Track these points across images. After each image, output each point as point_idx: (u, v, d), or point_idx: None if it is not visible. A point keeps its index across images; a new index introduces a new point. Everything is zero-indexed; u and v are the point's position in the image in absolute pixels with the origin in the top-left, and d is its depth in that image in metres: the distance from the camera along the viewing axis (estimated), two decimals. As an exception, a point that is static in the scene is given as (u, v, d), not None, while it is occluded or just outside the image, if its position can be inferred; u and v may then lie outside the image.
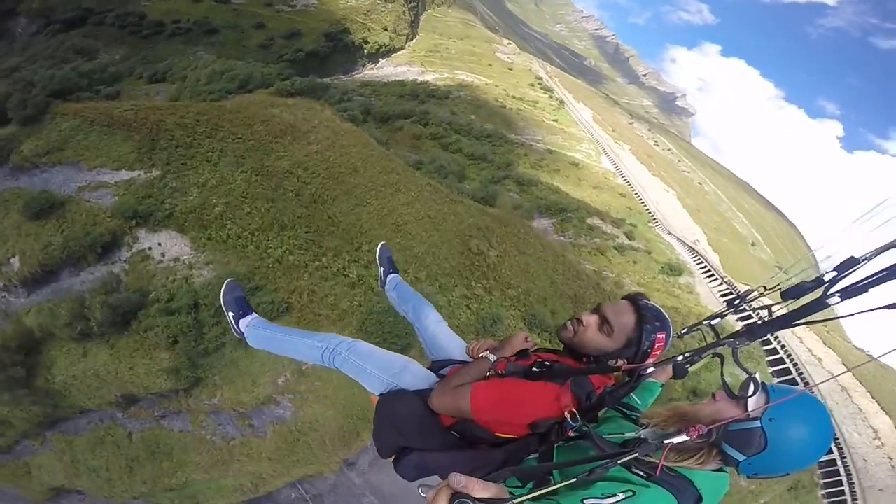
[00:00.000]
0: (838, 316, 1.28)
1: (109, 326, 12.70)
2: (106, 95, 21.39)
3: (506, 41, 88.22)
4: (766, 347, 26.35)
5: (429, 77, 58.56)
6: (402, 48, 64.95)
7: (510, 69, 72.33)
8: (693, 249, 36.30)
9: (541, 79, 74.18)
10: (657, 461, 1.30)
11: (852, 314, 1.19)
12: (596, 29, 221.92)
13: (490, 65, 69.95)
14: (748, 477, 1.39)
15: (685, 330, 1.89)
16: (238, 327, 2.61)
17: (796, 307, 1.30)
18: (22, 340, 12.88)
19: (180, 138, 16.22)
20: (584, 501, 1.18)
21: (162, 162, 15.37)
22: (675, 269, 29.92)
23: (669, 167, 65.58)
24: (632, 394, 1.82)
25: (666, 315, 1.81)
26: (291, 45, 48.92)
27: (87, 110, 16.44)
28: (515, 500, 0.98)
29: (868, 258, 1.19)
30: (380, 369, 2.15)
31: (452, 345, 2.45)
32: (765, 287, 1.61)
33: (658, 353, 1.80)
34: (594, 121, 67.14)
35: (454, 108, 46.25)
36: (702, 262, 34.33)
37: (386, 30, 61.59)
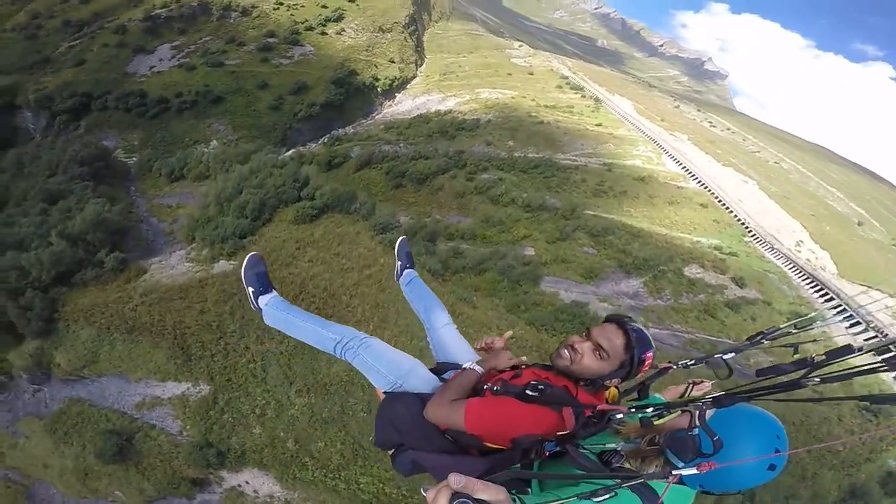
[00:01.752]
0: (806, 399, 1.36)
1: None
2: (112, 269, 18.31)
3: (516, 43, 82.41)
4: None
5: (451, 103, 53.62)
6: (414, 76, 60.62)
7: (531, 74, 66.41)
8: (811, 276, 28.97)
9: (566, 77, 67.72)
10: (630, 468, 1.46)
11: (819, 399, 1.30)
12: (596, 8, 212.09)
13: (509, 74, 64.33)
14: (698, 490, 1.48)
15: (692, 362, 2.02)
16: (257, 303, 2.59)
17: (772, 383, 1.29)
18: None
19: (209, 343, 15.47)
20: (577, 497, 1.31)
21: (204, 376, 14.87)
22: (804, 321, 22.88)
23: (736, 150, 57.14)
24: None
25: (648, 335, 1.90)
26: (302, 101, 45.38)
27: (97, 314, 16.17)
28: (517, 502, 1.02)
29: (862, 350, 1.21)
30: (388, 369, 2.23)
31: (459, 349, 2.51)
32: (794, 326, 1.80)
33: (645, 369, 1.90)
34: (638, 113, 59.89)
35: (489, 136, 40.85)
36: (824, 291, 27.16)
37: (393, 62, 57.47)
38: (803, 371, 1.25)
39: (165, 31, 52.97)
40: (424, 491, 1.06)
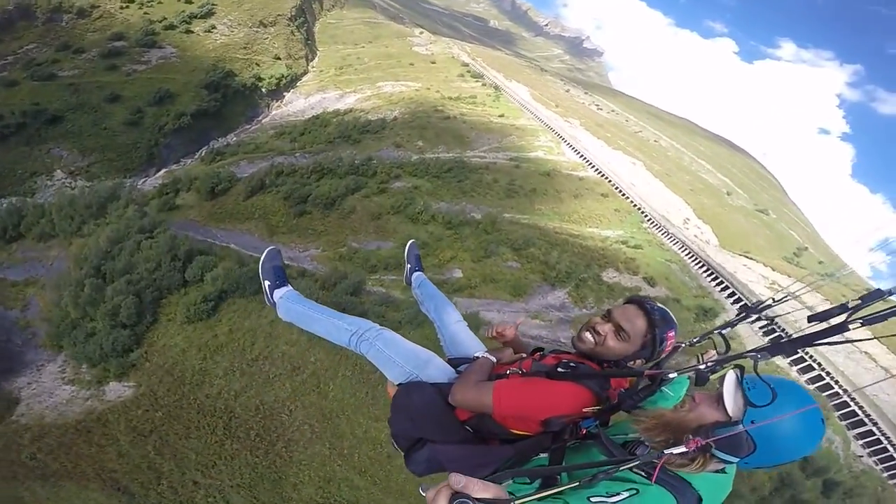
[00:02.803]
0: (856, 339, 1.32)
1: None
2: None
3: (418, 31, 79.78)
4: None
5: (350, 100, 50.00)
6: (305, 73, 55.21)
7: (433, 63, 64.90)
8: (706, 263, 33.03)
9: (467, 65, 67.49)
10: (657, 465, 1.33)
11: (870, 338, 1.30)
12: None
13: (411, 64, 62.04)
14: (755, 468, 1.42)
15: (697, 339, 1.99)
16: (272, 297, 2.57)
17: (819, 329, 1.32)
18: None
19: (150, 483, 12.66)
20: (591, 499, 1.23)
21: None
22: (709, 313, 26.48)
23: (622, 132, 62.68)
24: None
25: (671, 314, 1.86)
26: (168, 111, 38.39)
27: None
28: (517, 501, 0.99)
29: (893, 291, 1.25)
30: (404, 359, 2.17)
31: (470, 343, 2.47)
32: (773, 299, 1.81)
33: (669, 349, 1.86)
34: (535, 100, 62.26)
35: (397, 138, 38.82)
36: (719, 279, 31.20)
37: (279, 58, 51.57)
38: (845, 315, 1.27)
39: None
40: (423, 491, 1.05)
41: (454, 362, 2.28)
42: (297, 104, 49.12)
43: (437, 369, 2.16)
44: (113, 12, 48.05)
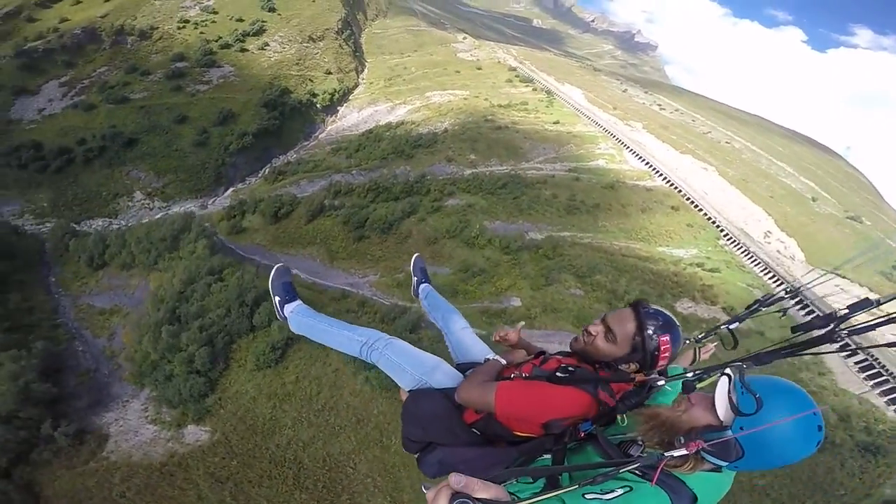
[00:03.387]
0: (842, 350, 1.31)
1: None
2: (67, 444, 14.99)
3: (460, 36, 78.94)
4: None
5: (401, 112, 49.90)
6: (356, 85, 55.94)
7: (479, 69, 63.67)
8: (791, 286, 29.16)
9: (514, 69, 65.62)
10: (654, 465, 1.34)
11: (855, 349, 1.29)
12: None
13: (457, 71, 61.20)
14: (747, 471, 1.41)
15: (702, 335, 2.01)
16: (282, 312, 2.67)
17: (806, 338, 1.32)
18: None
19: None
20: (586, 496, 1.25)
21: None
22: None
23: (689, 133, 57.98)
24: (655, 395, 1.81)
25: (672, 318, 1.84)
26: (231, 131, 39.98)
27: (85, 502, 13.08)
28: (517, 502, 1.00)
29: (881, 302, 1.25)
30: (413, 367, 2.24)
31: (476, 348, 2.51)
32: (785, 291, 1.86)
33: (667, 355, 1.82)
34: (590, 102, 59.17)
35: (448, 151, 37.97)
36: (809, 307, 27.03)
37: (330, 73, 52.45)
38: (832, 325, 1.27)
39: (47, 65, 44.51)
40: (425, 489, 1.05)
41: (462, 367, 2.31)
42: (351, 118, 49.74)
43: (444, 375, 2.21)
44: (172, 33, 51.02)
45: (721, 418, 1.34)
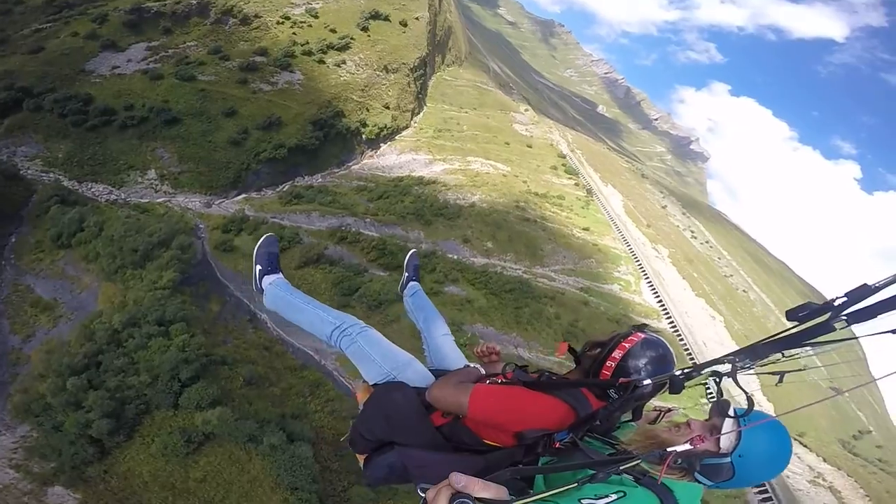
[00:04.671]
0: (843, 339, 1.27)
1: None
2: None
3: (522, 108, 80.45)
4: None
5: (437, 169, 49.73)
6: (407, 127, 56.38)
7: (529, 146, 63.96)
8: None
9: (563, 157, 65.78)
10: (647, 470, 1.39)
11: (855, 337, 1.24)
12: (606, 73, 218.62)
13: (507, 143, 61.51)
14: (707, 488, 1.50)
15: (684, 372, 1.83)
16: (260, 283, 2.57)
17: (801, 330, 1.28)
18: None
19: None
20: (581, 501, 1.25)
21: None
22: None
23: (711, 274, 56.51)
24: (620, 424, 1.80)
25: (660, 354, 1.79)
26: (271, 138, 39.91)
27: None
28: (516, 502, 0.99)
29: (880, 286, 1.19)
30: (383, 358, 2.18)
31: (454, 357, 2.48)
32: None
33: (627, 345, 1.80)
34: (627, 213, 58.49)
35: (468, 231, 36.97)
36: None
37: (388, 107, 53.00)
38: (829, 313, 1.21)
39: (149, 28, 46.00)
40: (422, 491, 1.05)
41: (437, 374, 2.21)
42: (389, 159, 49.70)
43: (416, 373, 2.14)
44: (269, 26, 52.23)
45: (723, 447, 1.41)
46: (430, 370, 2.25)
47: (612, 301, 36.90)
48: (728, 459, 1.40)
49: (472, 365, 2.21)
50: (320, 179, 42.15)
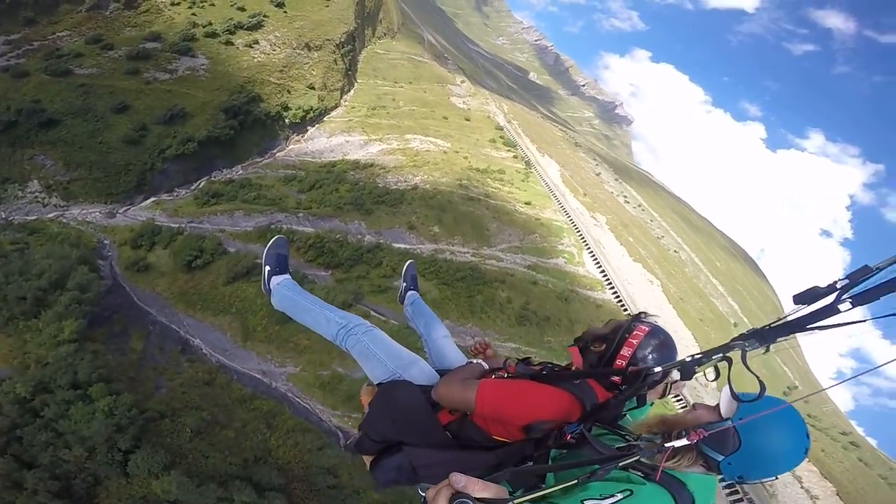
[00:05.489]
0: (850, 322, 1.25)
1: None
2: None
3: (459, 79, 78.20)
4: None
5: (373, 150, 47.08)
6: (336, 106, 52.42)
7: (468, 119, 62.82)
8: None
9: (501, 128, 65.44)
10: (654, 464, 1.36)
11: (864, 320, 1.22)
12: (536, 40, 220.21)
13: (445, 117, 59.80)
14: (736, 481, 1.45)
15: (694, 357, 1.88)
16: (268, 283, 2.61)
17: (807, 313, 1.26)
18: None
19: None
20: (584, 502, 1.21)
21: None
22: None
23: (645, 237, 60.47)
24: (626, 412, 1.80)
25: (666, 339, 1.85)
26: (175, 133, 34.98)
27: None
28: (516, 501, 0.99)
29: (881, 267, 1.19)
30: (389, 357, 2.18)
31: (456, 358, 2.49)
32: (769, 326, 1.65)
33: (635, 341, 1.80)
34: (564, 183, 60.09)
35: (412, 217, 35.62)
36: None
37: (313, 88, 48.73)
38: (835, 294, 1.21)
39: (5, 20, 37.53)
40: (423, 491, 1.02)
41: (440, 374, 2.21)
42: (319, 142, 46.08)
43: (421, 371, 2.14)
44: (161, 8, 44.93)
45: (723, 412, 1.42)
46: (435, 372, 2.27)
47: (558, 276, 37.93)
48: (729, 423, 1.38)
49: (474, 361, 2.20)
50: (241, 172, 38.05)
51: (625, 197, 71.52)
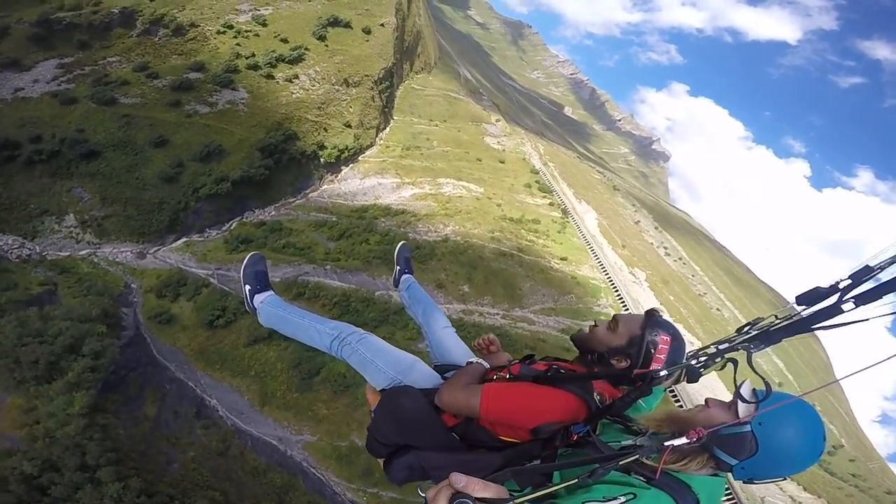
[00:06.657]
0: (853, 321, 1.25)
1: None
2: None
3: (494, 118, 77.80)
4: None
5: (406, 194, 46.16)
6: (371, 145, 52.23)
7: (502, 162, 61.47)
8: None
9: (536, 172, 63.79)
10: (656, 465, 1.32)
11: (866, 319, 1.21)
12: (571, 74, 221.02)
13: (479, 160, 58.68)
14: (744, 482, 1.40)
15: (700, 360, 1.86)
16: (252, 302, 2.55)
17: (811, 314, 1.25)
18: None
19: None
20: None
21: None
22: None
23: (686, 293, 56.60)
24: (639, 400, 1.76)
25: (679, 332, 1.84)
26: (211, 171, 34.94)
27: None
28: (516, 501, 0.99)
29: (883, 266, 1.18)
30: (387, 364, 2.15)
31: (458, 350, 2.45)
32: (775, 316, 1.60)
33: (662, 356, 1.77)
34: (602, 234, 57.39)
35: (441, 274, 33.90)
36: None
37: (349, 126, 48.65)
38: (838, 294, 1.20)
39: (60, 42, 39.07)
40: (422, 492, 1.08)
41: (440, 369, 2.24)
42: (352, 183, 45.59)
43: (421, 374, 2.13)
44: (208, 36, 46.15)
45: (740, 414, 1.37)
46: (434, 365, 2.27)
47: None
48: (748, 428, 1.33)
49: (475, 360, 2.14)
50: (273, 213, 37.60)
51: (665, 249, 67.81)
